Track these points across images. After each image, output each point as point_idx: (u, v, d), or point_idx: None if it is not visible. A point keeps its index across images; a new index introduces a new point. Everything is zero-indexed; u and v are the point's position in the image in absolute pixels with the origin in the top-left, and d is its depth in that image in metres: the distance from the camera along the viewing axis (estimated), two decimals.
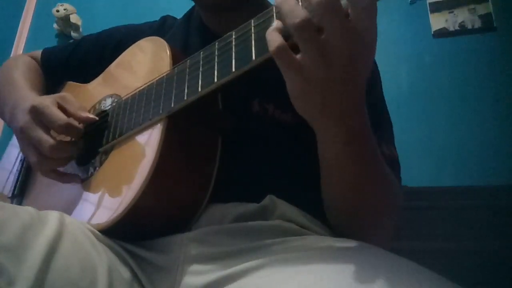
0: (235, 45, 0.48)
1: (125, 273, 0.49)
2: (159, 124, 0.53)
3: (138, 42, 0.69)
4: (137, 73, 0.64)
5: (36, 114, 0.59)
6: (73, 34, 2.23)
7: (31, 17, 2.40)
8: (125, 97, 0.63)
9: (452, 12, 1.79)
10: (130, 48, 0.70)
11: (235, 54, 0.47)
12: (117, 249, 0.52)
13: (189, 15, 0.81)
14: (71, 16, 2.20)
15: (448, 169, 1.57)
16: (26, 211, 0.47)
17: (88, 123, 0.63)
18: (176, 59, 0.59)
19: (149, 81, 0.59)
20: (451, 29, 1.78)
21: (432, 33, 1.79)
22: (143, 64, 0.65)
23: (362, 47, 0.39)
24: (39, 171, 0.62)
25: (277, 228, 0.54)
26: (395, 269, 0.40)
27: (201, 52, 0.53)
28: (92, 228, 0.53)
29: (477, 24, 1.75)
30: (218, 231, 0.54)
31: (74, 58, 0.83)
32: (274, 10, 0.44)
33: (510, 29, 1.72)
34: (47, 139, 0.58)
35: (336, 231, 0.58)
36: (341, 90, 0.41)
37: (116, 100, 0.65)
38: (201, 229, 0.54)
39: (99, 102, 0.69)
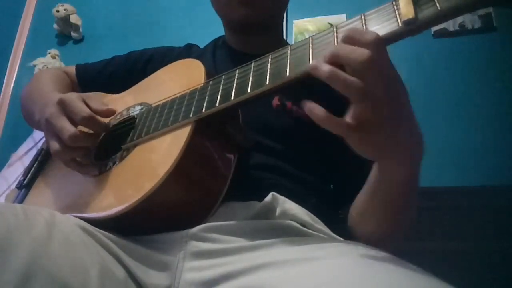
0: (271, 63, 0.52)
1: (119, 273, 0.49)
2: (187, 127, 0.56)
3: (174, 62, 0.73)
4: (170, 88, 0.67)
5: (63, 105, 0.63)
6: (73, 34, 2.23)
7: (31, 17, 2.40)
8: (155, 104, 0.66)
9: None
10: (166, 67, 0.74)
11: (270, 70, 0.51)
12: (112, 248, 0.51)
13: (215, 40, 0.90)
14: (71, 16, 2.20)
15: (448, 169, 1.57)
16: (12, 211, 0.46)
17: (108, 116, 0.67)
18: (209, 78, 0.62)
19: (182, 91, 0.62)
20: (451, 29, 1.77)
21: (432, 33, 1.79)
22: (176, 81, 0.68)
23: (396, 87, 0.43)
24: (59, 160, 0.63)
25: (278, 227, 0.54)
26: (395, 271, 0.40)
27: (237, 69, 0.57)
28: (87, 226, 0.52)
29: (477, 24, 1.75)
30: (219, 229, 0.54)
31: (106, 71, 0.90)
32: (310, 41, 0.49)
33: (510, 29, 1.72)
34: (68, 128, 0.60)
35: (351, 235, 0.60)
36: (398, 128, 0.44)
37: (145, 107, 0.68)
38: (201, 226, 0.55)
39: (128, 108, 0.72)
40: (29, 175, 0.75)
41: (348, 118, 0.43)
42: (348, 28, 0.46)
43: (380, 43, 0.41)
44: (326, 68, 0.42)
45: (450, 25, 1.78)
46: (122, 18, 2.24)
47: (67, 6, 2.20)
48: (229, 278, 0.46)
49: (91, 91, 0.85)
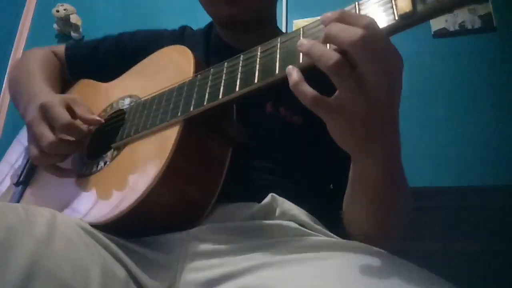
0: (260, 58, 0.50)
1: (120, 272, 0.49)
2: (175, 126, 0.55)
3: (163, 49, 0.70)
4: (159, 78, 0.66)
5: (44, 111, 0.62)
6: (73, 34, 2.23)
7: (31, 17, 2.40)
8: (144, 98, 0.65)
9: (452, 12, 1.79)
10: (155, 53, 0.72)
11: (259, 67, 0.49)
12: (112, 248, 0.51)
13: (209, 27, 0.85)
14: (71, 16, 2.20)
15: (448, 169, 1.57)
16: (13, 211, 0.46)
17: (94, 125, 0.65)
18: (198, 68, 0.61)
19: (170, 85, 0.61)
20: (451, 29, 1.77)
21: (432, 33, 1.79)
22: (165, 70, 0.67)
23: (395, 73, 0.40)
24: (38, 165, 0.64)
25: (278, 227, 0.54)
26: (396, 271, 0.40)
27: (225, 63, 0.55)
28: (88, 226, 0.52)
29: (477, 24, 1.75)
30: (219, 230, 0.54)
31: (96, 55, 0.86)
32: (301, 32, 0.46)
33: (510, 29, 1.72)
34: (48, 135, 0.60)
35: (348, 236, 0.59)
36: (383, 120, 0.41)
37: (134, 100, 0.67)
38: (202, 227, 0.55)
39: (117, 101, 0.71)
40: (25, 171, 0.75)
41: (332, 98, 0.41)
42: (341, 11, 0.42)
43: (376, 26, 0.39)
44: (309, 43, 0.41)
45: (450, 25, 1.78)
46: (122, 18, 2.24)
47: (67, 6, 2.20)
48: (229, 279, 0.46)
49: (79, 74, 0.85)
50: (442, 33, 1.78)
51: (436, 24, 1.80)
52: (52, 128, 0.61)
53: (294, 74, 0.41)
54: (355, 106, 0.40)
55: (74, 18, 2.21)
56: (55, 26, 2.24)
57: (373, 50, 0.38)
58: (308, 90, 0.40)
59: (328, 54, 0.39)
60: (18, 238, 0.43)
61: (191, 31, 0.87)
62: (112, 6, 2.30)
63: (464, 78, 1.71)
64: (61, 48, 0.89)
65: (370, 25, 0.38)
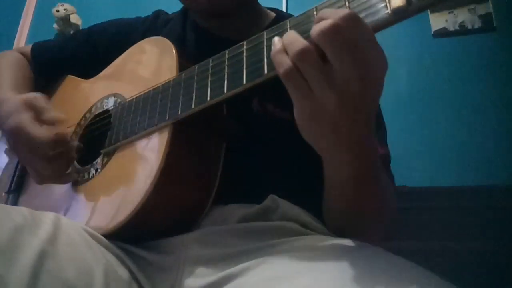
0: (246, 56, 0.48)
1: (123, 273, 0.49)
2: (164, 130, 0.53)
3: (144, 41, 0.68)
4: (142, 74, 0.64)
5: (18, 137, 0.59)
6: None
7: (31, 17, 2.40)
8: (129, 99, 0.62)
9: (452, 12, 1.79)
10: (135, 46, 0.69)
11: (247, 66, 0.47)
12: (114, 250, 0.51)
13: (185, 10, 0.80)
14: (71, 16, 2.20)
15: (448, 169, 1.57)
16: (19, 212, 0.46)
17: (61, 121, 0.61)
18: (182, 62, 0.59)
19: (155, 85, 0.59)
20: (451, 29, 1.78)
21: (432, 33, 1.79)
22: (148, 65, 0.65)
23: (373, 71, 0.38)
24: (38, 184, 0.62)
25: (280, 228, 0.54)
26: (395, 269, 0.41)
27: (211, 60, 0.53)
28: (90, 229, 0.52)
29: (477, 24, 1.75)
30: (219, 232, 0.54)
31: (66, 53, 0.83)
32: (288, 24, 0.44)
33: (510, 29, 1.72)
34: (44, 165, 0.58)
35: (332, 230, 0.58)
36: (353, 119, 0.40)
37: (119, 100, 0.65)
38: (202, 229, 0.54)
39: (101, 100, 0.69)
40: (15, 179, 0.73)
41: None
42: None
43: (355, 19, 0.37)
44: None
45: (450, 25, 1.78)
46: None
47: (67, 6, 2.20)
48: (230, 280, 0.46)
49: (47, 74, 0.82)
50: (442, 33, 1.78)
51: (436, 24, 1.80)
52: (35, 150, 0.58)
53: (277, 44, 0.41)
54: (321, 98, 0.39)
55: (74, 18, 2.21)
56: (55, 26, 2.24)
57: (343, 40, 0.37)
58: (285, 60, 0.39)
59: (297, 42, 0.39)
60: (24, 237, 0.43)
61: (166, 17, 0.82)
62: (112, 6, 2.30)
63: (464, 78, 1.71)
64: (28, 48, 0.86)
65: (345, 17, 0.37)
